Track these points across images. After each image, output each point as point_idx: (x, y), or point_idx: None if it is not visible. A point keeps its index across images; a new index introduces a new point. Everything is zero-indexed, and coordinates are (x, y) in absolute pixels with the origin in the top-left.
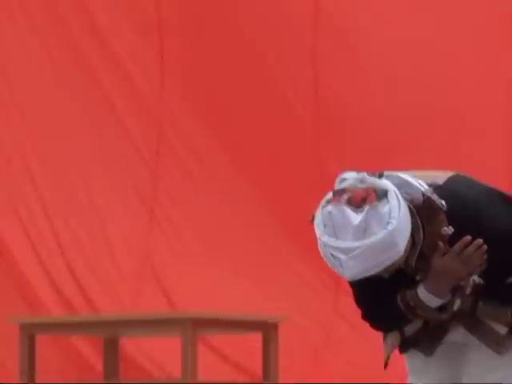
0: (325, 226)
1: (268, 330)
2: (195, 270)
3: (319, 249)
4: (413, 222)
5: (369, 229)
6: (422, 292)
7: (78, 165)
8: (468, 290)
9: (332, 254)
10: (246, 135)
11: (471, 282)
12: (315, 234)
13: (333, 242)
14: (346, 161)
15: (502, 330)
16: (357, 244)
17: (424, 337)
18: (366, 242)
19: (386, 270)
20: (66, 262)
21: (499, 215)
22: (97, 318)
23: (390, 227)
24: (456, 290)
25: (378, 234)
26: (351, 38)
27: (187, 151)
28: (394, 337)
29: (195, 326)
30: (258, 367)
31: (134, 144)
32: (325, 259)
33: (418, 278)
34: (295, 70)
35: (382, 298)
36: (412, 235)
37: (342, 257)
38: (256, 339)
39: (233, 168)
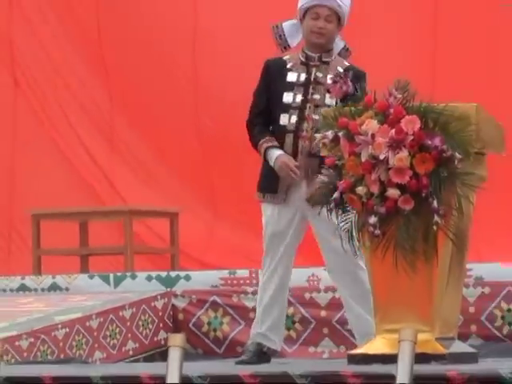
0: None
1: (173, 217)
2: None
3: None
4: None
5: None
6: (271, 160)
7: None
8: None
9: None
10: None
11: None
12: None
13: None
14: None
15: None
16: None
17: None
18: None
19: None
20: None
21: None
22: (74, 210)
23: None
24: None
25: None
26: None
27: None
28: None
29: (131, 215)
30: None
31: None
32: None
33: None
34: (177, 48)
35: (261, 120)
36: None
37: None
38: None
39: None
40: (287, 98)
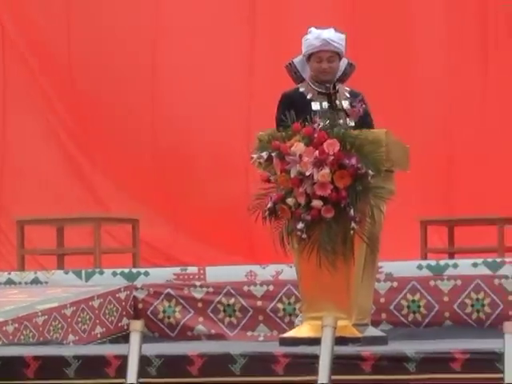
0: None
1: (134, 223)
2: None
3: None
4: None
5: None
6: None
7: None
8: None
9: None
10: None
11: None
12: None
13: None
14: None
15: None
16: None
17: None
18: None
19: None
20: None
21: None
22: (52, 217)
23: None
24: None
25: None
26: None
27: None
28: None
29: (99, 221)
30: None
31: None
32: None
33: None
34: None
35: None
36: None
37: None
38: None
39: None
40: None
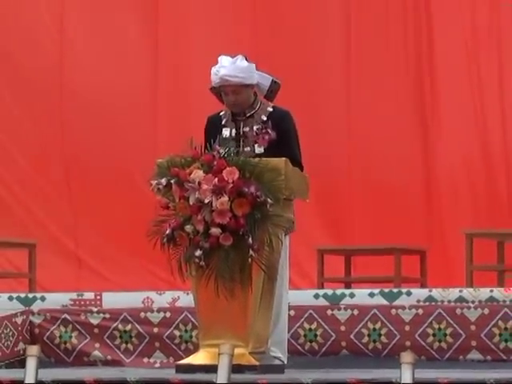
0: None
1: (31, 247)
2: None
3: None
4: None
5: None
6: None
7: None
8: None
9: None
10: None
11: None
12: None
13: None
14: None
15: None
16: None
17: None
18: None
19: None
20: None
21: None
22: None
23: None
24: None
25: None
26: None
27: None
28: None
29: None
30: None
31: None
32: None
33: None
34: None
35: None
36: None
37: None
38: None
39: None
40: (222, 151)
